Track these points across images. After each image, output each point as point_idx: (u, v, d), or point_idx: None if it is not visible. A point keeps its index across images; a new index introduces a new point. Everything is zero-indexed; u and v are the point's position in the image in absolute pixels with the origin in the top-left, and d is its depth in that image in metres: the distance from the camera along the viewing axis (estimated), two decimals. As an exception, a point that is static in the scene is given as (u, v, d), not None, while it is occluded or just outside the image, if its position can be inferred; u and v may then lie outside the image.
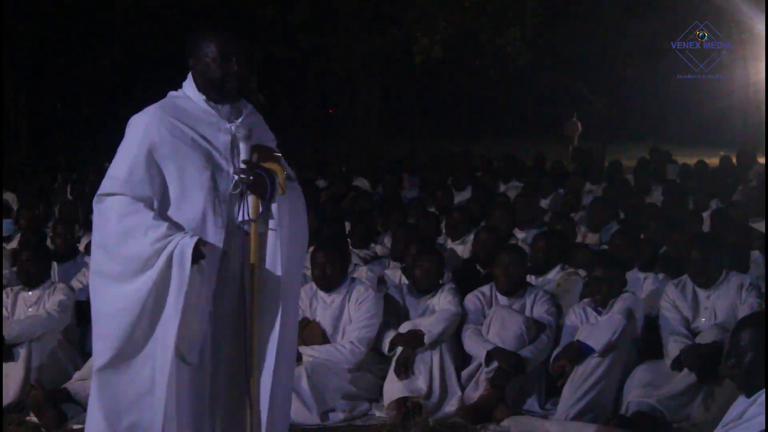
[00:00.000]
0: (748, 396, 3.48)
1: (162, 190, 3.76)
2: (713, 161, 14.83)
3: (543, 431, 5.48)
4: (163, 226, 3.67)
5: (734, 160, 14.38)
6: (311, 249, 6.81)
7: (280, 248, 3.79)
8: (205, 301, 3.71)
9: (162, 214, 3.73)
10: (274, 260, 3.80)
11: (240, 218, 3.78)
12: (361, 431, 5.64)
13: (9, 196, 11.15)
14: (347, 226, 8.31)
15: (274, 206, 3.80)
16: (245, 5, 22.47)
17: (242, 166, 3.79)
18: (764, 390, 3.41)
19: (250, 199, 3.80)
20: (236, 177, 3.78)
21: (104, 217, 3.76)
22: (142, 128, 3.79)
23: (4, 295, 6.34)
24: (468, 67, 22.73)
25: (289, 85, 34.78)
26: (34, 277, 6.30)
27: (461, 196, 10.99)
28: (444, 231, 8.27)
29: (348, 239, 7.82)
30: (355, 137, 25.34)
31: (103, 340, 3.75)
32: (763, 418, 3.35)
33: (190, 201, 3.75)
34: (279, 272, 3.79)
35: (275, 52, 24.54)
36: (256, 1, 21.84)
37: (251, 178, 3.76)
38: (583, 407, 5.50)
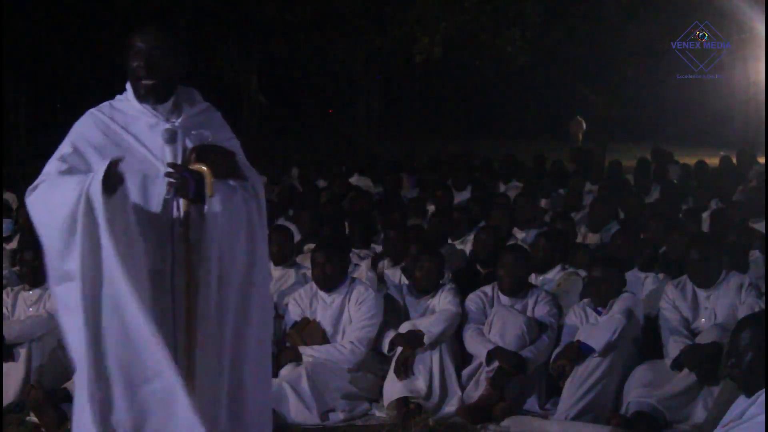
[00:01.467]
0: (748, 396, 3.48)
1: None
2: (713, 161, 14.83)
3: (543, 431, 5.48)
4: (79, 177, 3.56)
5: (734, 160, 14.38)
6: (311, 249, 6.82)
7: (211, 253, 3.63)
8: (137, 235, 3.55)
9: None
10: (207, 266, 3.63)
11: (174, 223, 3.66)
12: (361, 431, 5.64)
13: (9, 196, 11.15)
14: (347, 226, 8.32)
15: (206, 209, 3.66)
16: (245, 5, 22.48)
17: (168, 169, 3.64)
18: (764, 390, 3.41)
19: (182, 203, 3.66)
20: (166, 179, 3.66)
21: (30, 203, 3.66)
22: (78, 130, 3.77)
23: (4, 295, 6.34)
24: (468, 67, 22.74)
25: (289, 85, 34.78)
26: (37, 276, 6.29)
27: (461, 196, 10.99)
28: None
29: (348, 239, 7.82)
30: (355, 137, 25.34)
31: (72, 327, 3.62)
32: (763, 418, 3.35)
33: None
34: (214, 278, 3.63)
35: (275, 52, 24.56)
36: (256, 1, 21.84)
37: (175, 181, 3.61)
38: (583, 407, 5.50)
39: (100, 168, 3.54)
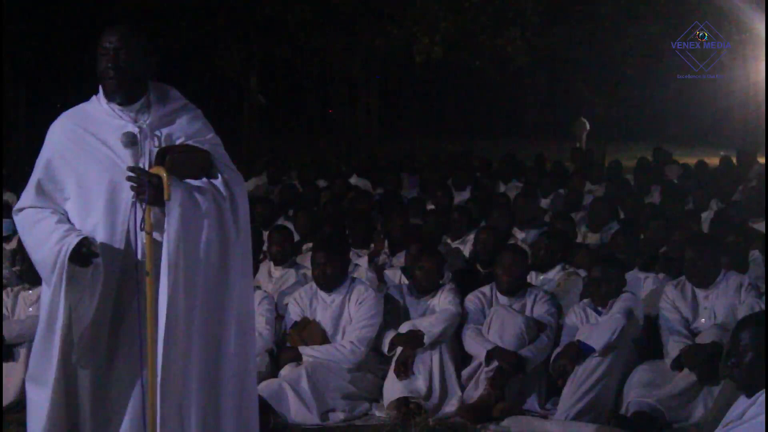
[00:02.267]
0: (748, 396, 3.48)
1: (68, 200, 3.74)
2: (713, 161, 14.83)
3: (543, 431, 5.48)
4: (62, 229, 3.66)
5: (734, 160, 14.38)
6: (312, 249, 6.82)
7: (171, 256, 3.56)
8: (92, 305, 3.62)
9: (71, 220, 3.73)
10: (166, 269, 3.58)
11: (138, 226, 3.64)
12: (361, 431, 5.64)
13: (9, 196, 11.15)
14: (347, 226, 8.32)
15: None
16: (245, 5, 22.47)
17: (128, 173, 3.61)
18: (764, 390, 3.41)
19: (145, 206, 3.62)
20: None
21: (19, 231, 3.84)
22: (49, 140, 3.81)
23: (4, 295, 6.34)
24: (468, 67, 22.74)
25: (289, 85, 34.78)
26: (36, 274, 6.28)
27: (461, 196, 10.99)
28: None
29: (348, 239, 7.82)
30: (355, 137, 25.34)
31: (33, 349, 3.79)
32: (763, 418, 3.35)
33: (92, 210, 3.68)
34: (168, 281, 3.56)
35: (275, 52, 24.54)
36: (256, 1, 21.83)
37: (135, 185, 3.59)
38: (583, 407, 5.50)
39: (71, 241, 3.60)
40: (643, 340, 5.92)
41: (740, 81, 21.00)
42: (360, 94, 25.90)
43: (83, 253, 3.59)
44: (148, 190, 3.56)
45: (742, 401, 3.51)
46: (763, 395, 3.40)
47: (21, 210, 3.82)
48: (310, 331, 6.06)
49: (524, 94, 36.60)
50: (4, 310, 6.25)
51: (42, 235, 3.69)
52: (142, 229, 3.62)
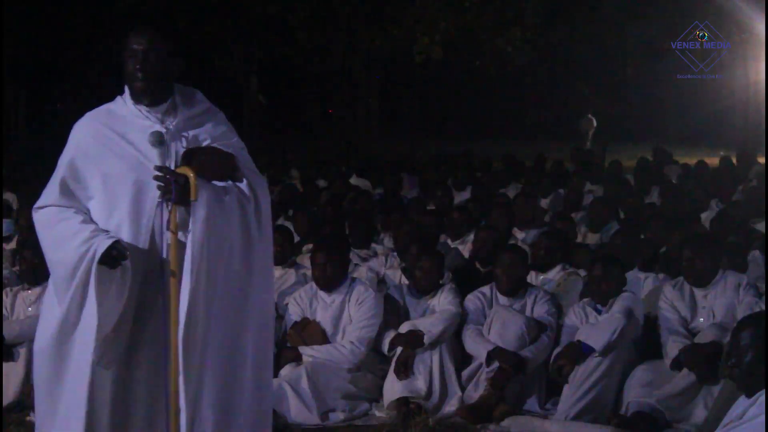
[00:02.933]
0: (748, 396, 3.48)
1: (92, 198, 3.74)
2: (713, 161, 14.83)
3: (543, 431, 5.48)
4: (88, 230, 3.64)
5: (734, 160, 14.38)
6: (312, 249, 6.82)
7: (195, 257, 3.59)
8: (119, 306, 3.63)
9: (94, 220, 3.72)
10: (189, 269, 3.60)
11: (163, 227, 3.66)
12: (361, 431, 5.64)
13: (9, 196, 11.15)
14: (347, 226, 8.31)
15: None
16: (245, 5, 22.48)
17: (155, 172, 3.63)
18: (764, 390, 3.41)
19: (171, 206, 3.65)
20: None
21: (38, 229, 3.78)
22: (73, 138, 3.80)
23: (3, 295, 6.34)
24: (468, 67, 22.73)
25: (289, 85, 34.76)
26: (38, 273, 6.29)
27: (461, 196, 10.99)
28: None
29: (348, 239, 7.82)
30: (355, 137, 25.34)
31: (39, 341, 3.77)
32: (763, 418, 3.35)
33: (116, 208, 3.68)
34: (196, 282, 3.59)
35: (275, 52, 24.55)
36: (257, 0, 21.84)
37: (161, 184, 3.61)
38: (583, 407, 5.50)
39: (103, 242, 3.58)
40: (642, 340, 5.92)
41: (740, 81, 21.00)
42: (360, 94, 25.92)
43: (113, 256, 3.58)
44: (175, 189, 3.58)
45: (742, 401, 3.51)
46: (763, 395, 3.40)
47: (42, 207, 3.78)
48: (310, 331, 6.06)
49: (524, 94, 36.56)
50: (4, 310, 6.25)
51: (64, 235, 3.67)
52: (167, 229, 3.64)
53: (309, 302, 6.17)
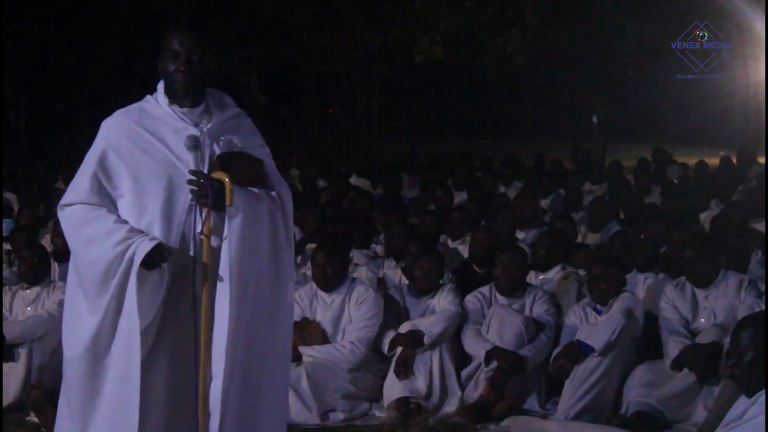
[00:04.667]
0: (749, 396, 3.48)
1: (121, 197, 3.70)
2: (713, 161, 14.83)
3: (543, 431, 5.48)
4: (123, 229, 3.61)
5: (734, 160, 14.38)
6: (312, 249, 6.81)
7: (229, 262, 3.61)
8: (154, 309, 3.62)
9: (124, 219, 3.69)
10: (224, 274, 3.62)
11: (196, 229, 3.65)
12: (361, 431, 5.64)
13: (9, 196, 11.14)
14: (347, 226, 8.31)
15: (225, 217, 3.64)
16: (245, 4, 22.48)
17: (191, 176, 3.63)
18: (764, 390, 3.41)
19: (204, 210, 3.65)
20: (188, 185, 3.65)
21: (65, 227, 3.74)
22: (104, 135, 3.75)
23: (2, 295, 6.34)
24: (468, 67, 22.72)
25: (289, 85, 34.76)
26: (37, 273, 6.29)
27: (461, 196, 11.00)
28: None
29: (348, 239, 7.81)
30: (355, 137, 25.35)
31: (72, 349, 3.73)
32: (763, 418, 3.35)
33: (147, 209, 3.65)
34: (230, 286, 3.61)
35: (275, 52, 24.54)
36: (256, 0, 21.84)
37: (195, 188, 3.61)
38: (583, 407, 5.50)
39: (145, 245, 3.56)
40: (642, 340, 5.92)
41: (740, 81, 20.97)
42: (360, 94, 25.92)
43: (154, 259, 3.57)
44: (211, 194, 3.58)
45: (742, 401, 3.51)
46: (763, 395, 3.40)
47: (69, 205, 3.72)
48: (310, 331, 6.06)
49: (524, 94, 36.55)
50: (3, 310, 6.25)
51: (98, 234, 3.63)
52: (200, 233, 3.64)
53: (309, 302, 6.17)
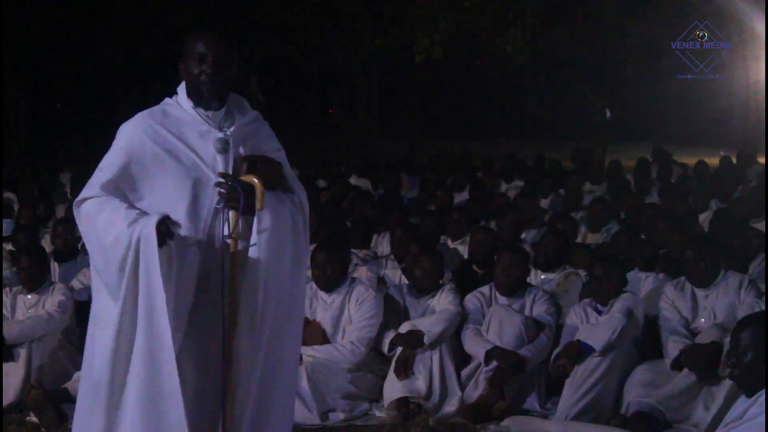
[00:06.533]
0: (749, 396, 3.48)
1: (142, 198, 3.69)
2: (713, 161, 14.83)
3: (543, 431, 5.48)
4: (134, 212, 3.59)
5: (734, 160, 14.38)
6: (312, 249, 6.81)
7: (258, 266, 3.64)
8: (176, 287, 3.58)
9: None
10: (253, 277, 3.65)
11: (222, 233, 3.64)
12: (361, 431, 5.64)
13: (9, 196, 11.15)
14: (347, 226, 8.31)
15: (254, 221, 3.66)
16: (245, 4, 22.46)
17: (219, 179, 3.64)
18: (764, 390, 3.41)
19: (231, 214, 3.66)
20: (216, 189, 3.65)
21: (82, 220, 3.70)
22: (127, 136, 3.72)
23: (3, 296, 6.34)
24: (468, 67, 22.72)
25: (289, 85, 34.75)
26: (35, 280, 6.29)
27: (461, 196, 11.00)
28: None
29: (348, 239, 7.81)
30: (355, 137, 25.33)
31: (98, 342, 3.67)
32: (763, 418, 3.35)
33: (173, 211, 3.63)
34: (258, 290, 3.65)
35: (275, 52, 24.53)
36: (256, 0, 21.83)
37: (224, 191, 3.62)
38: (583, 407, 5.50)
39: (151, 219, 3.54)
40: (642, 340, 5.92)
41: (740, 81, 20.97)
42: (360, 94, 25.90)
43: (161, 232, 3.53)
44: (242, 197, 3.58)
45: (742, 401, 3.52)
46: (763, 395, 3.40)
47: (84, 200, 3.69)
48: (310, 331, 6.05)
49: (524, 94, 36.55)
50: (4, 311, 6.25)
51: (111, 219, 3.59)
52: (228, 236, 3.63)
53: (309, 302, 6.17)
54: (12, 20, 20.95)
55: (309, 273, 6.48)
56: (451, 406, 5.79)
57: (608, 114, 22.89)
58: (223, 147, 3.68)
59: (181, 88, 3.81)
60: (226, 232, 3.65)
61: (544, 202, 10.69)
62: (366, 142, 24.52)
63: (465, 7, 18.58)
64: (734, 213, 8.61)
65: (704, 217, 8.97)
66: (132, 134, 3.72)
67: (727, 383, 4.99)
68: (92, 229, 3.67)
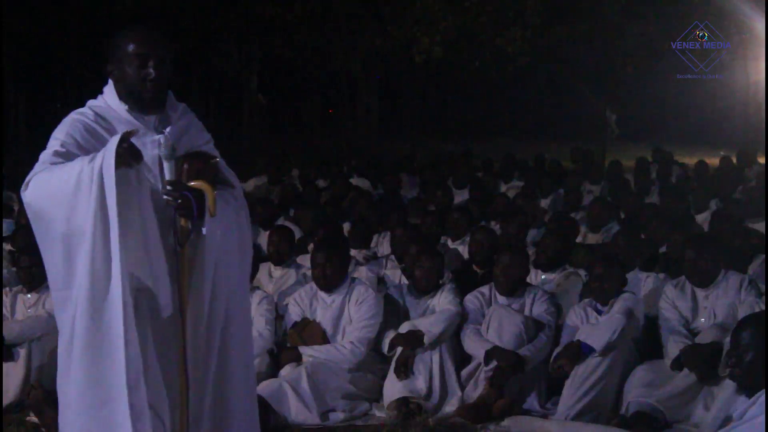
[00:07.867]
0: (749, 396, 3.48)
1: None
2: (713, 161, 14.83)
3: (543, 431, 5.48)
4: (87, 158, 3.33)
5: (734, 160, 14.38)
6: (311, 249, 6.82)
7: (209, 267, 3.57)
8: (147, 220, 3.40)
9: None
10: (203, 277, 3.57)
11: (173, 241, 3.51)
12: (361, 431, 5.64)
13: (9, 196, 11.14)
14: (347, 226, 8.31)
15: (205, 228, 3.52)
16: (245, 4, 22.48)
17: (167, 187, 3.46)
18: (764, 390, 3.41)
19: (181, 221, 3.51)
20: (164, 197, 3.47)
21: (32, 194, 3.44)
22: (65, 131, 3.54)
23: (3, 295, 6.34)
24: (468, 67, 22.72)
25: (289, 85, 34.77)
26: (35, 280, 6.29)
27: (461, 196, 11.00)
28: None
29: (348, 239, 7.81)
30: (355, 137, 25.35)
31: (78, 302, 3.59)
32: (763, 418, 3.35)
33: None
34: (207, 295, 3.58)
35: (275, 52, 24.55)
36: (256, 0, 21.85)
37: (178, 200, 3.45)
38: (583, 407, 5.50)
39: (111, 141, 3.32)
40: (642, 340, 5.92)
41: (740, 81, 21.00)
42: (360, 94, 25.92)
43: (124, 149, 3.27)
44: (195, 206, 3.46)
45: (742, 401, 3.52)
46: (763, 395, 3.40)
47: (29, 182, 3.47)
48: (310, 331, 6.06)
49: (524, 94, 36.57)
50: (4, 311, 6.25)
51: (61, 169, 3.37)
52: (180, 245, 3.52)
53: (309, 302, 6.18)
54: (12, 20, 20.96)
55: (309, 273, 6.50)
56: (451, 406, 5.79)
57: (614, 118, 22.91)
58: (170, 153, 3.46)
59: (109, 90, 3.63)
60: (175, 240, 3.52)
61: (544, 202, 10.68)
62: (366, 142, 24.53)
63: (465, 7, 18.59)
64: (734, 213, 8.61)
65: (704, 217, 8.97)
66: (71, 129, 3.53)
67: (727, 383, 4.98)
68: (46, 193, 3.39)
